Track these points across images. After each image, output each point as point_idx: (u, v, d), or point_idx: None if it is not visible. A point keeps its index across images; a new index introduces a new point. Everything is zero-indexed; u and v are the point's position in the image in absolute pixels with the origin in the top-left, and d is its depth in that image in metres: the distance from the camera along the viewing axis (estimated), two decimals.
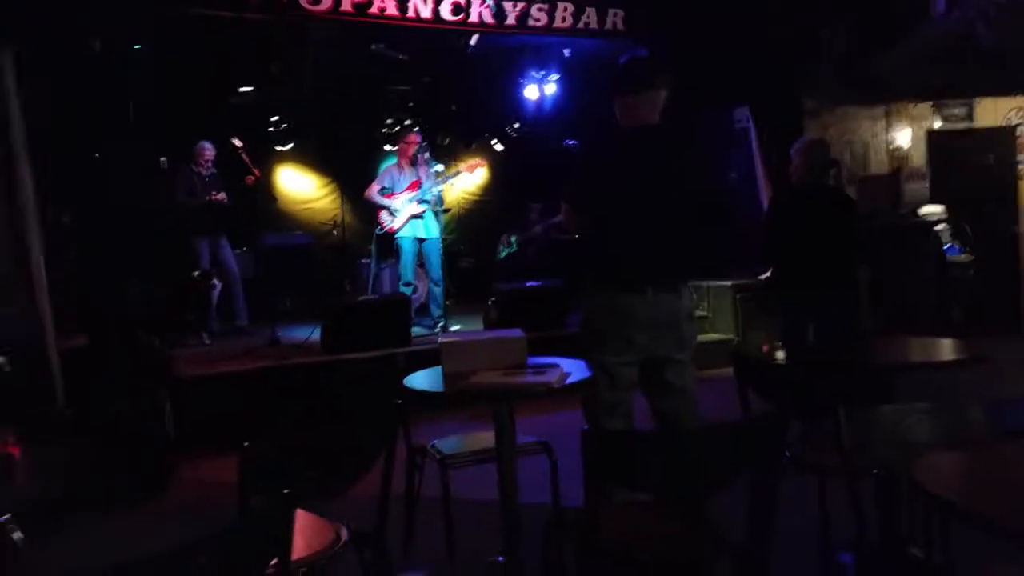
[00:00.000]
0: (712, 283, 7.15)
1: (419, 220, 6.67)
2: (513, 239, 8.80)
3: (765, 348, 6.73)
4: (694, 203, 2.81)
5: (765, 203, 7.21)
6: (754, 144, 7.34)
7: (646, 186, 2.75)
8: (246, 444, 2.04)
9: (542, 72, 8.20)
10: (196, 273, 6.59)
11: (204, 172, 6.77)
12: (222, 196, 6.75)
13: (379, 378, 5.20)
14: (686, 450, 1.94)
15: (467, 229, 9.90)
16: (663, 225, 2.77)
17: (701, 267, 3.25)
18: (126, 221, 5.86)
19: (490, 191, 10.21)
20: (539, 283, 6.60)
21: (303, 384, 5.23)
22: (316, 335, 5.91)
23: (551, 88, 8.29)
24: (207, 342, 6.47)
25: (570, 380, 2.46)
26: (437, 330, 6.59)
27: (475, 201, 10.23)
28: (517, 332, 2.74)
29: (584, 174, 2.86)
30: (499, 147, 9.57)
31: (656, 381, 2.84)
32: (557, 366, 2.57)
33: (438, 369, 2.69)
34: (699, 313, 6.95)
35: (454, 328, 6.55)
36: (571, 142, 7.61)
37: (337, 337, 5.65)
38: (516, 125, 9.20)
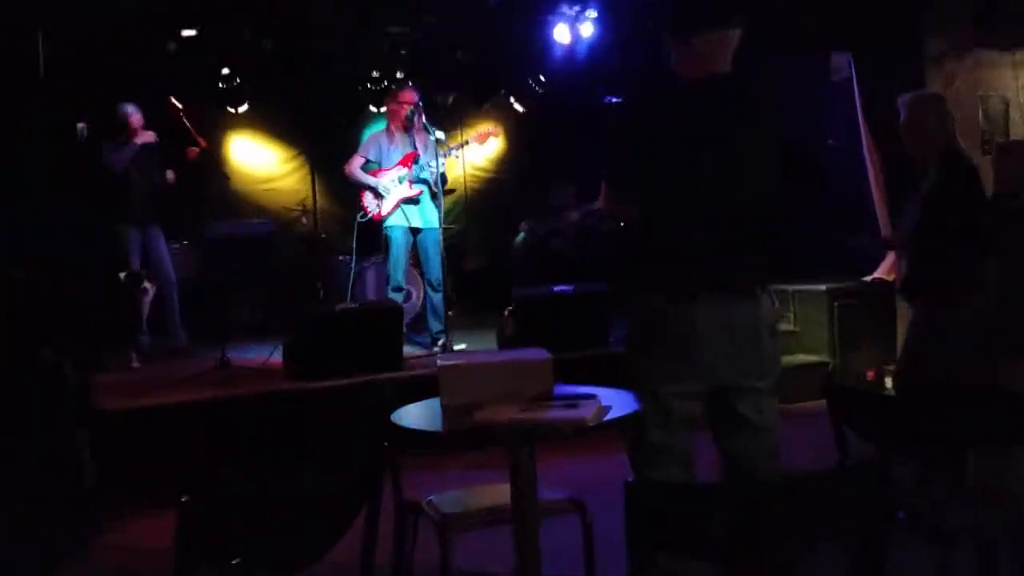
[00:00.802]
0: (801, 287, 7.11)
1: (414, 205, 6.70)
2: (523, 232, 8.76)
3: (870, 375, 6.70)
4: (777, 179, 2.80)
5: (872, 178, 7.18)
6: (857, 101, 7.29)
7: (714, 157, 2.74)
8: (185, 498, 2.06)
9: (576, 7, 8.21)
10: (123, 275, 6.64)
11: (137, 143, 6.83)
12: (171, 176, 6.86)
13: (359, 413, 5.21)
14: (764, 507, 1.94)
15: (477, 217, 9.88)
16: (736, 209, 2.76)
17: (786, 265, 3.25)
18: (29, 202, 5.93)
19: (507, 166, 10.21)
20: (571, 288, 6.60)
21: (260, 421, 5.27)
22: (278, 355, 5.93)
23: (588, 28, 8.29)
24: (136, 365, 6.53)
25: (610, 416, 2.46)
26: (436, 349, 6.60)
27: (487, 179, 10.23)
28: (541, 353, 2.75)
29: (630, 143, 2.85)
30: (519, 107, 9.58)
31: (725, 417, 2.83)
32: (593, 397, 2.57)
33: (437, 401, 2.70)
34: (784, 327, 6.92)
35: (458, 347, 6.58)
36: (613, 99, 7.61)
37: (305, 359, 5.68)
38: (542, 78, 9.21)
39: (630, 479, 1.90)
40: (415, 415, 2.66)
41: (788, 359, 6.65)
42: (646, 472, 2.79)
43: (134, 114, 6.87)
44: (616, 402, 2.59)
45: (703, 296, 2.72)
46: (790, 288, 7.13)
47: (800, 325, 7.14)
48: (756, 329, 2.78)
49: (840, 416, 2.77)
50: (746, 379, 2.78)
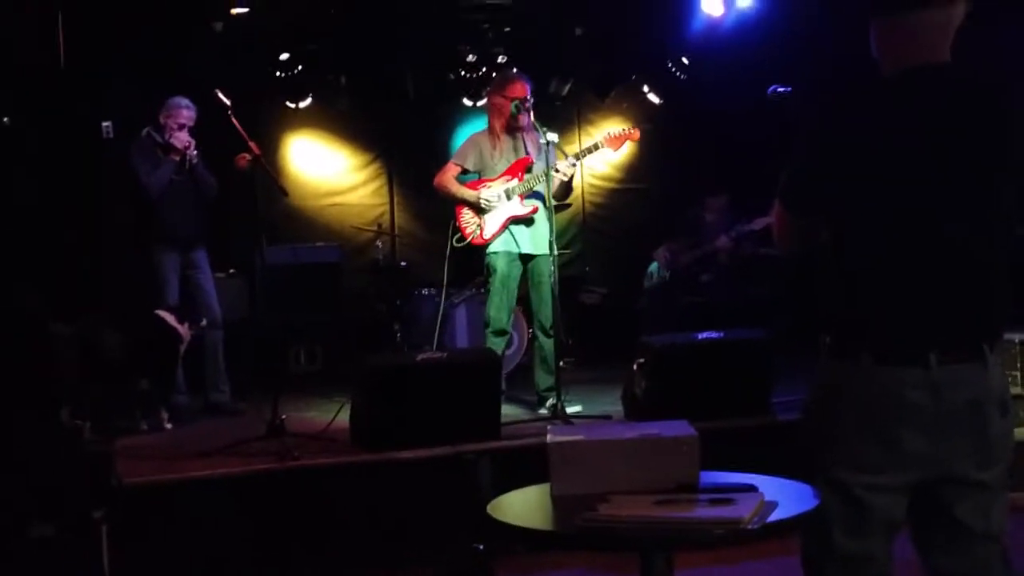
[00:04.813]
0: None
1: (525, 226, 6.68)
2: (658, 260, 8.63)
3: None
4: (1009, 206, 2.75)
5: None
6: None
7: (928, 172, 2.70)
8: None
9: None
10: (161, 313, 6.66)
11: (178, 144, 6.91)
12: (194, 153, 6.87)
13: (443, 495, 5.19)
14: None
15: (597, 239, 9.94)
16: (958, 242, 2.72)
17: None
18: (45, 223, 6.08)
19: (639, 174, 10.22)
20: (720, 335, 6.51)
21: (322, 501, 5.30)
22: (345, 417, 5.98)
23: None
24: (167, 425, 6.60)
25: (777, 516, 2.41)
26: (543, 411, 6.57)
27: (611, 191, 10.27)
28: (683, 428, 2.72)
29: (815, 152, 2.84)
30: (654, 99, 9.60)
31: (938, 520, 2.77)
32: (754, 489, 2.54)
33: (545, 488, 2.68)
34: (1015, 390, 6.69)
35: (572, 409, 6.51)
36: (782, 89, 7.50)
37: (379, 422, 5.70)
38: (684, 61, 9.20)
39: None
40: (518, 506, 2.64)
41: (1016, 432, 6.40)
42: None
43: (186, 108, 6.88)
44: (785, 496, 2.54)
45: (917, 358, 2.67)
46: (1016, 338, 6.89)
47: None
48: (984, 402, 2.72)
49: None
50: (968, 469, 2.72)
